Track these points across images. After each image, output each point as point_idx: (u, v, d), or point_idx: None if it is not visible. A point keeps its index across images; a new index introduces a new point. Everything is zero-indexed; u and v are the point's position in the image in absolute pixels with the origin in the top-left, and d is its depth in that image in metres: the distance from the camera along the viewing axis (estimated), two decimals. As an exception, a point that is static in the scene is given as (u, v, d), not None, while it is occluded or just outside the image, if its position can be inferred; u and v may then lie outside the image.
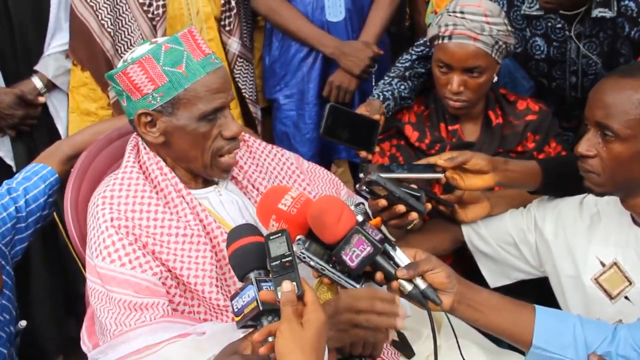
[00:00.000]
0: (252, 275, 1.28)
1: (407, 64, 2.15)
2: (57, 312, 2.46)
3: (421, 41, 2.18)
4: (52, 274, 2.40)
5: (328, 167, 2.11)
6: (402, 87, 2.09)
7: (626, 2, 2.00)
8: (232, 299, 1.27)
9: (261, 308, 1.22)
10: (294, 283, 1.17)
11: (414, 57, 2.16)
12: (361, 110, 1.97)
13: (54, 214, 1.80)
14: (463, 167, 1.65)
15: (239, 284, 1.46)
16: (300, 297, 1.17)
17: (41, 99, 2.30)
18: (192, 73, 1.44)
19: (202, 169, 1.54)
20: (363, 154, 1.91)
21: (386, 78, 2.14)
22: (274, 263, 1.21)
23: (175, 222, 1.48)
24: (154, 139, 1.50)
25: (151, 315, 1.40)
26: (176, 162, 1.55)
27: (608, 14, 1.99)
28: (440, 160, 1.66)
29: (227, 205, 1.58)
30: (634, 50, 2.09)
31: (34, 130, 2.32)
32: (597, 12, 1.99)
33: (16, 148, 2.31)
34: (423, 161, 1.71)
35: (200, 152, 1.51)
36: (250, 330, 1.30)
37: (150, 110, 1.46)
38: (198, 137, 1.48)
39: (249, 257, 1.29)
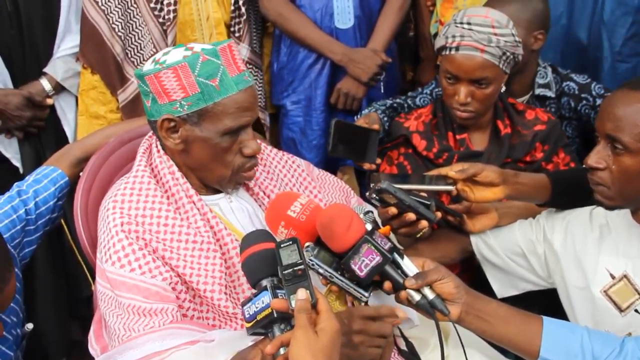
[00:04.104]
0: (266, 282, 1.27)
1: (382, 107, 2.19)
2: (61, 316, 2.46)
3: (379, 102, 2.22)
4: (56, 277, 2.40)
5: (334, 174, 2.10)
6: (384, 116, 2.13)
7: (568, 83, 2.23)
8: (243, 304, 1.26)
9: (275, 315, 1.21)
10: (308, 291, 1.16)
11: (382, 108, 2.19)
12: (360, 123, 1.98)
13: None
14: (473, 179, 1.65)
15: (248, 292, 1.47)
16: (314, 306, 1.16)
17: (49, 101, 2.30)
18: (224, 88, 1.43)
19: (216, 181, 1.54)
20: (367, 166, 1.91)
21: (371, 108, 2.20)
22: (286, 271, 1.20)
23: (185, 229, 1.48)
24: (174, 145, 1.49)
25: (160, 321, 1.39)
26: (190, 170, 1.55)
27: (549, 93, 2.21)
28: (451, 172, 1.66)
29: (237, 213, 1.58)
30: (579, 132, 2.30)
31: (42, 132, 2.33)
32: (539, 91, 2.22)
33: (23, 150, 2.31)
34: (434, 172, 1.71)
35: (217, 165, 1.51)
36: (261, 337, 1.30)
37: (174, 116, 1.45)
38: (218, 150, 1.48)
39: (264, 263, 1.28)
